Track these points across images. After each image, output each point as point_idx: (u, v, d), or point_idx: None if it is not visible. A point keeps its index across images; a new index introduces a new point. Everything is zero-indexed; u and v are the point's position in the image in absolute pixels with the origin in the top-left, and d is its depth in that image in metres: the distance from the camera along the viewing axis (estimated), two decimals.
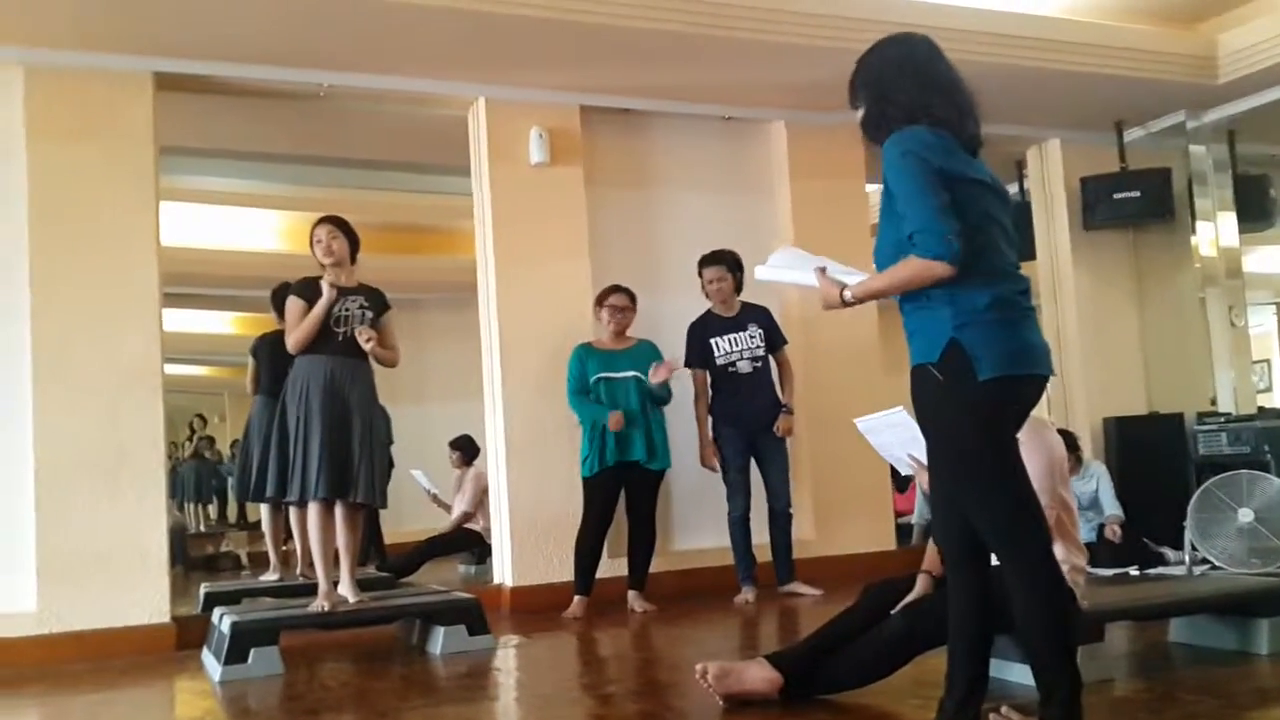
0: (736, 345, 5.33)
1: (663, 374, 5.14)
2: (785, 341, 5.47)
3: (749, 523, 5.33)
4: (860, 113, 2.55)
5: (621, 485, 5.20)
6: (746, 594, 5.25)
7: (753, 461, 5.40)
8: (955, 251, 2.25)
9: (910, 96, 2.42)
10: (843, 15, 5.28)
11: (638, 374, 5.19)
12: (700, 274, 5.44)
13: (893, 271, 2.36)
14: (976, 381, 2.28)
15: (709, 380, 5.40)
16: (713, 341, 5.34)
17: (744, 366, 5.33)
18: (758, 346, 5.35)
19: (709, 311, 5.43)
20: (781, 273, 2.72)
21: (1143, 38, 5.91)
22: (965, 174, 2.36)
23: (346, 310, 4.32)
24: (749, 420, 5.32)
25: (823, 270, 2.54)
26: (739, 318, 5.39)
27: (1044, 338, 2.46)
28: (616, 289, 5.31)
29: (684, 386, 5.41)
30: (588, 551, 5.16)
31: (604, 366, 5.20)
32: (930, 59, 2.49)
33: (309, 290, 4.33)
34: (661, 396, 5.24)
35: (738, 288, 5.40)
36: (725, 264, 5.36)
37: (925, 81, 2.44)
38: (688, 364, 5.39)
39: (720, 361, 5.34)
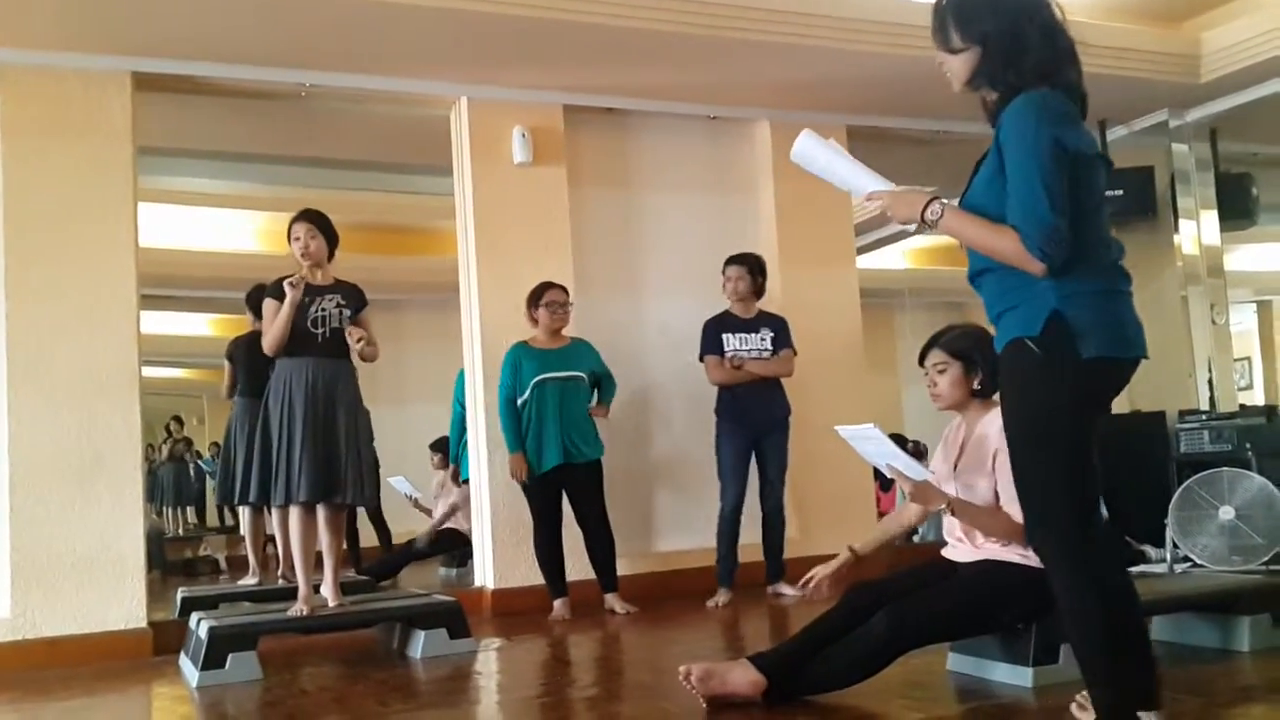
0: (746, 344, 5.37)
1: (595, 414, 5.22)
2: (791, 348, 5.44)
3: (739, 521, 5.30)
4: (961, 56, 2.25)
5: (561, 484, 5.14)
6: (720, 596, 5.21)
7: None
8: (1058, 258, 2.09)
9: (1040, 52, 2.17)
10: (828, 14, 5.27)
11: (582, 374, 5.16)
12: (724, 271, 5.46)
13: (993, 233, 2.15)
14: (1079, 359, 2.12)
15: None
16: (725, 336, 5.38)
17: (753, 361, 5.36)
18: (766, 349, 5.39)
19: (727, 310, 5.47)
20: (820, 152, 2.39)
21: (1125, 36, 5.92)
22: (1086, 151, 2.16)
23: (324, 310, 4.27)
24: (751, 421, 5.33)
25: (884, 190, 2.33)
26: (754, 320, 5.44)
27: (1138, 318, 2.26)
28: (552, 285, 5.24)
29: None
30: (547, 555, 5.12)
31: (545, 367, 5.10)
32: (1052, 8, 2.21)
33: (282, 290, 4.26)
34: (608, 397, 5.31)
35: (758, 292, 5.45)
36: (747, 265, 5.43)
37: (1050, 34, 2.19)
38: (702, 355, 5.41)
39: (728, 355, 5.35)
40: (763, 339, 5.39)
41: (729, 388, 5.37)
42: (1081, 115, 2.24)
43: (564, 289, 5.25)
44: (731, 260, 5.48)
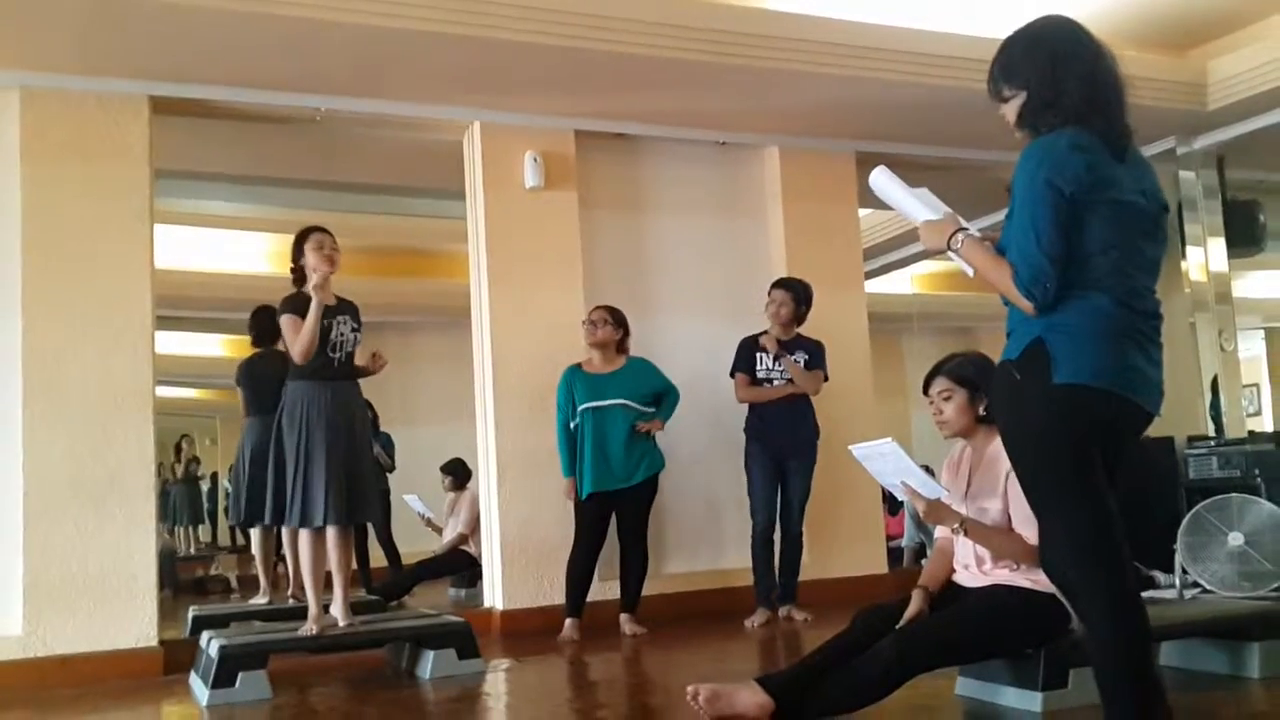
0: (779, 365, 5.39)
1: (652, 428, 5.22)
2: (823, 371, 5.44)
3: (771, 541, 5.34)
4: (1010, 103, 2.40)
5: (612, 508, 5.20)
6: (758, 616, 5.24)
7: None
8: (1042, 297, 2.20)
9: (1075, 96, 2.30)
10: (836, 42, 5.32)
11: (625, 401, 5.17)
12: (769, 293, 5.48)
13: (996, 268, 2.28)
14: (1050, 384, 2.20)
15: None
16: (758, 355, 5.41)
17: (779, 385, 5.38)
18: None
19: (765, 331, 5.47)
20: (893, 190, 2.55)
21: (1133, 64, 5.84)
22: (1101, 196, 2.24)
23: (342, 335, 4.30)
24: (776, 441, 5.35)
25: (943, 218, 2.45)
26: (790, 343, 5.44)
27: (1157, 373, 2.30)
28: (600, 306, 5.33)
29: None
30: (579, 576, 5.15)
31: (591, 395, 5.17)
32: (1096, 52, 2.37)
33: (300, 304, 4.25)
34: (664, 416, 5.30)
35: (798, 320, 5.45)
36: (794, 291, 5.44)
37: (1089, 79, 2.32)
38: (733, 371, 5.45)
39: (759, 375, 5.40)
40: (796, 361, 5.39)
41: (757, 407, 5.40)
42: (1120, 156, 2.31)
43: (608, 309, 5.30)
44: (779, 284, 5.49)
